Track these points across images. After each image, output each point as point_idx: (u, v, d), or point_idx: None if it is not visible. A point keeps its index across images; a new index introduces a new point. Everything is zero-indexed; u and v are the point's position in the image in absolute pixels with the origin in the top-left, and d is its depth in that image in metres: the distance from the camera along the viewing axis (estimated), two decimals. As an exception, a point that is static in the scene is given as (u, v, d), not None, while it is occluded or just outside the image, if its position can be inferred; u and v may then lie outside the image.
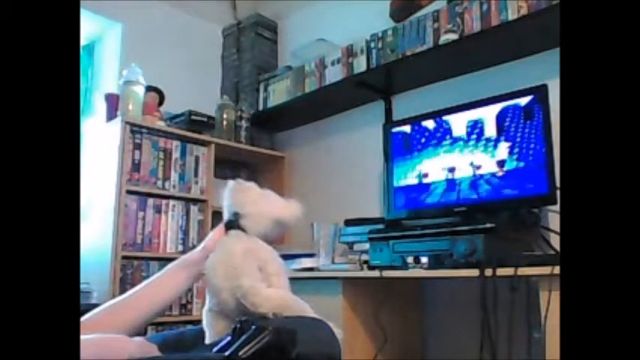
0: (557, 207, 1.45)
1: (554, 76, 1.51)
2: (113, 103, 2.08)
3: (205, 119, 2.34)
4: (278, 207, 1.02)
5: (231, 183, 1.01)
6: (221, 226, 1.00)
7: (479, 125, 1.64)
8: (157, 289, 0.95)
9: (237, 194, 1.00)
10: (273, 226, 1.00)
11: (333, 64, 2.21)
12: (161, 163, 2.08)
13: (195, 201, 2.17)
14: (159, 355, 0.81)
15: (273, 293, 0.89)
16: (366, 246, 1.64)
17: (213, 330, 0.93)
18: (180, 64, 2.53)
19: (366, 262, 1.63)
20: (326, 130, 2.45)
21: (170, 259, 1.05)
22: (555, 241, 1.51)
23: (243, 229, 0.97)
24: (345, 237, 1.89)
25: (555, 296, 1.14)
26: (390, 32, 2.02)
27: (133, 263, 1.93)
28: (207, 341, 0.94)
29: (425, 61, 1.90)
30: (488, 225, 1.34)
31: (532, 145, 1.51)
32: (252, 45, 2.66)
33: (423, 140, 1.78)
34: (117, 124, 1.98)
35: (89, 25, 2.38)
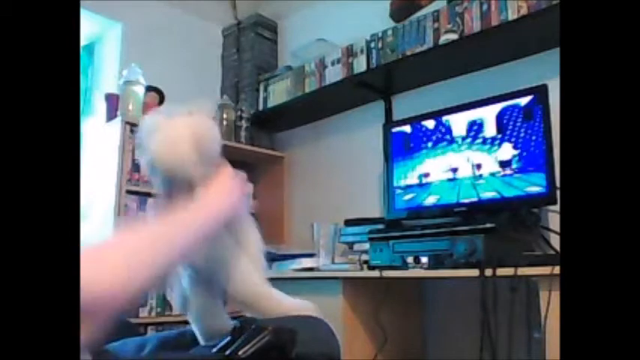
0: (557, 207, 1.45)
1: (554, 76, 1.51)
2: (113, 103, 2.08)
3: (205, 119, 2.34)
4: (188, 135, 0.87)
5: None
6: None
7: (479, 125, 1.64)
8: None
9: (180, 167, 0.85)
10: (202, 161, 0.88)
11: (333, 64, 2.21)
12: (161, 163, 2.08)
13: (195, 201, 2.17)
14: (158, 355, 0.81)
15: (283, 300, 0.88)
16: (366, 246, 1.64)
17: (193, 299, 0.89)
18: (180, 64, 2.53)
19: (366, 262, 1.63)
20: (326, 130, 2.45)
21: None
22: (555, 241, 1.51)
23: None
24: (345, 237, 1.89)
25: (555, 296, 1.14)
26: (390, 32, 2.02)
27: (133, 263, 1.93)
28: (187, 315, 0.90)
29: (425, 61, 1.90)
30: (488, 225, 1.34)
31: (532, 145, 1.51)
32: (252, 45, 2.66)
33: (424, 140, 1.78)
34: (117, 124, 1.98)
35: (89, 25, 2.38)
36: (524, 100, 1.55)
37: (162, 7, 2.53)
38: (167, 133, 0.86)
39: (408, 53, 1.94)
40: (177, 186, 0.86)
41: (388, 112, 2.17)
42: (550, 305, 1.15)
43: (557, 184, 1.44)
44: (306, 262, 1.78)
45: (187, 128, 0.87)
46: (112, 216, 1.90)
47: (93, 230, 1.97)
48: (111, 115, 2.08)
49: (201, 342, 0.90)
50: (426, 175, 1.75)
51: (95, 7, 2.27)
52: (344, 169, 2.33)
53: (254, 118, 2.47)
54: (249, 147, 2.43)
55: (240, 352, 0.68)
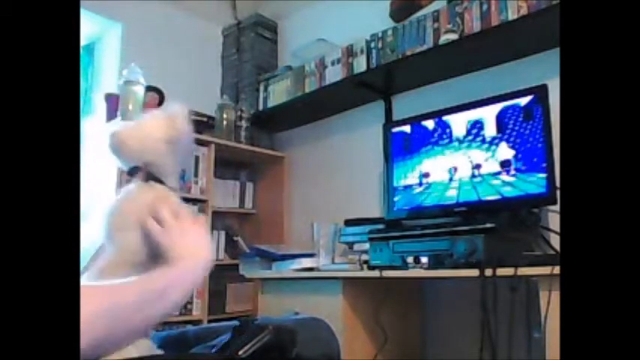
0: (557, 207, 1.45)
1: (554, 76, 1.51)
2: (113, 103, 2.08)
3: (205, 119, 2.34)
4: (158, 126, 0.89)
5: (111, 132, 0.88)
6: None
7: (479, 125, 1.64)
8: None
9: (123, 146, 0.88)
10: (167, 149, 0.89)
11: (333, 64, 2.21)
12: (161, 163, 2.08)
13: (195, 201, 2.17)
14: (159, 355, 0.81)
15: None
16: (366, 246, 1.64)
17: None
18: (180, 64, 2.53)
19: (366, 262, 1.63)
20: (326, 130, 2.45)
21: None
22: (555, 241, 1.51)
23: (151, 178, 0.88)
24: (345, 237, 1.89)
25: (555, 296, 1.14)
26: (390, 32, 2.02)
27: (133, 263, 1.93)
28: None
29: (425, 61, 1.90)
30: (488, 225, 1.34)
31: (532, 145, 1.51)
32: (252, 45, 2.66)
33: (424, 140, 1.78)
34: (117, 124, 1.97)
35: (89, 25, 2.38)
36: (524, 100, 1.55)
37: (162, 7, 2.53)
38: (138, 124, 0.90)
39: (408, 53, 1.94)
40: (143, 171, 0.88)
41: (388, 112, 2.17)
42: (550, 305, 1.15)
43: (557, 184, 1.44)
44: (306, 262, 1.78)
45: (158, 121, 0.90)
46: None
47: (93, 231, 1.97)
48: (111, 115, 2.08)
49: None
50: (426, 175, 1.75)
51: (95, 7, 2.27)
52: (344, 169, 2.33)
53: (254, 118, 2.47)
54: (249, 147, 2.43)
55: (240, 352, 0.68)
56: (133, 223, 0.83)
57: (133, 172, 0.89)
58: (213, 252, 2.31)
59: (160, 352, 0.83)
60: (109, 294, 0.62)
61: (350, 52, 2.15)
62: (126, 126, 0.90)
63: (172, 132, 0.89)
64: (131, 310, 0.63)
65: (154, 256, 0.81)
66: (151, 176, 0.88)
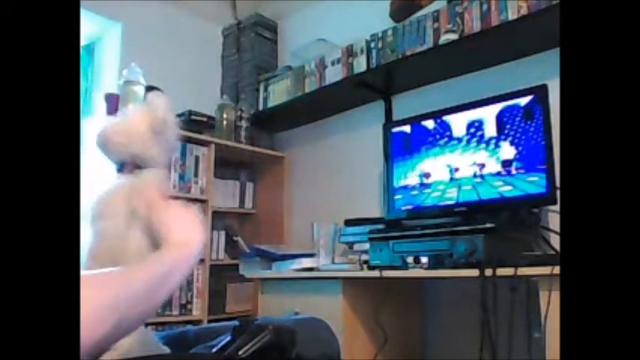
0: (557, 207, 1.45)
1: (554, 76, 1.51)
2: (113, 103, 2.08)
3: (205, 119, 2.34)
4: (142, 118, 0.91)
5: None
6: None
7: (479, 125, 1.64)
8: None
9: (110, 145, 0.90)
10: (153, 140, 0.90)
11: (333, 64, 2.21)
12: (161, 163, 2.08)
13: (195, 201, 2.17)
14: (159, 355, 0.81)
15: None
16: (366, 246, 1.64)
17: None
18: (180, 64, 2.53)
19: (366, 262, 1.63)
20: (326, 130, 2.45)
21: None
22: (555, 241, 1.51)
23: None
24: (345, 237, 1.89)
25: (555, 296, 1.14)
26: (390, 32, 2.02)
27: (133, 263, 1.93)
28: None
29: (425, 61, 1.90)
30: (488, 225, 1.34)
31: (532, 145, 1.51)
32: (252, 45, 2.66)
33: (424, 140, 1.78)
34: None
35: (89, 25, 2.38)
36: (524, 100, 1.55)
37: (163, 7, 2.53)
38: (122, 119, 0.92)
39: (408, 53, 1.94)
40: (130, 164, 0.90)
41: (388, 112, 2.17)
42: (550, 305, 1.15)
43: (557, 184, 1.44)
44: (306, 262, 1.78)
45: (141, 113, 0.91)
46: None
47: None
48: (111, 115, 2.08)
49: None
50: (427, 175, 1.75)
51: (95, 7, 2.27)
52: (344, 169, 2.33)
53: (254, 118, 2.47)
54: (249, 147, 2.43)
55: (240, 352, 0.68)
56: (117, 211, 0.84)
57: (121, 168, 0.91)
58: (214, 252, 2.31)
59: (157, 344, 0.83)
60: (120, 282, 0.62)
61: (350, 52, 2.15)
62: (110, 122, 0.92)
63: (156, 122, 0.90)
64: (141, 298, 0.63)
65: (143, 241, 0.82)
66: (140, 168, 0.90)
